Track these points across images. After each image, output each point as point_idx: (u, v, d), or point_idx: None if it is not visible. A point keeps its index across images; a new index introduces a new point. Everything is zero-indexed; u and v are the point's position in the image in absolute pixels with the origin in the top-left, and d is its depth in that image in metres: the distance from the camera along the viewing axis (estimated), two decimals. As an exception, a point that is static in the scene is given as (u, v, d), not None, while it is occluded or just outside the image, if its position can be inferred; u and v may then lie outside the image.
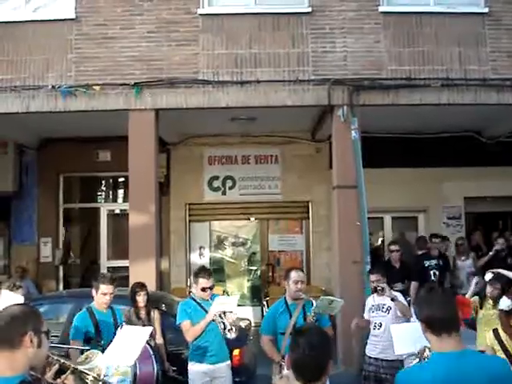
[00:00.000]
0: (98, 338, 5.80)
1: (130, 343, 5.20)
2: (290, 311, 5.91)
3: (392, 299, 6.44)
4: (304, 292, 5.99)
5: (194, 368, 6.06)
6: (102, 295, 6.01)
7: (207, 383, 6.02)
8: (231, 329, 5.88)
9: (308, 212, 12.73)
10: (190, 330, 5.94)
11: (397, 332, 4.95)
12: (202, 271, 6.29)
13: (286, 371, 3.09)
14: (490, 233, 11.65)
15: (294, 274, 6.01)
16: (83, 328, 5.86)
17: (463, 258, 10.42)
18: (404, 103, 9.58)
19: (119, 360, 5.12)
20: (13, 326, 2.72)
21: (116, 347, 5.19)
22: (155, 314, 6.94)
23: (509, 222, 13.12)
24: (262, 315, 11.65)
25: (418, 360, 4.60)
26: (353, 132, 9.31)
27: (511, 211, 13.13)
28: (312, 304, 5.87)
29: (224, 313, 5.87)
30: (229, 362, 6.25)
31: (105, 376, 3.75)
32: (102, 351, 4.53)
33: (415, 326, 4.66)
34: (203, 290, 6.09)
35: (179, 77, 9.49)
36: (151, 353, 5.82)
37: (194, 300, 6.16)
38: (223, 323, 5.87)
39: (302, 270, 6.29)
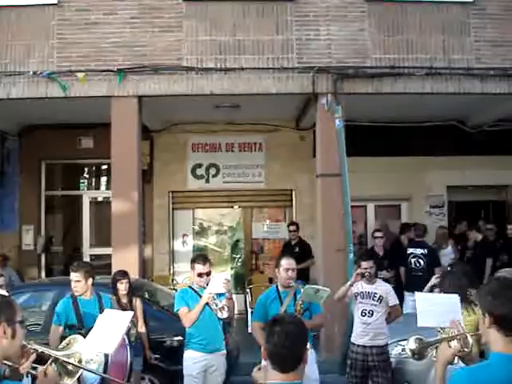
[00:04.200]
0: (80, 325, 5.77)
1: (111, 328, 5.16)
2: (281, 299, 5.90)
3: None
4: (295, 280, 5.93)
5: (188, 355, 6.01)
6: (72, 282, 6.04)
7: (201, 373, 5.94)
8: (223, 307, 5.86)
9: (291, 200, 12.74)
10: (187, 316, 5.93)
11: (422, 302, 4.43)
12: (198, 257, 6.31)
13: (263, 362, 3.04)
14: (476, 222, 11.67)
15: (284, 262, 5.96)
16: (64, 315, 5.89)
17: (443, 245, 10.59)
18: (388, 92, 9.57)
19: (99, 346, 5.08)
20: None
21: (97, 332, 5.15)
22: (137, 302, 6.92)
23: (491, 211, 13.19)
24: (246, 303, 11.67)
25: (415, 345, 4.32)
26: (337, 120, 9.29)
27: (494, 200, 13.25)
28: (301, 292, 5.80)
29: (217, 293, 5.86)
30: (224, 351, 6.19)
31: (86, 362, 3.70)
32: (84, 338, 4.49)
33: (444, 299, 4.38)
34: (199, 275, 6.05)
35: (163, 63, 9.40)
36: (126, 342, 5.77)
37: (192, 288, 6.14)
38: (215, 304, 5.86)
39: (293, 257, 6.20)
